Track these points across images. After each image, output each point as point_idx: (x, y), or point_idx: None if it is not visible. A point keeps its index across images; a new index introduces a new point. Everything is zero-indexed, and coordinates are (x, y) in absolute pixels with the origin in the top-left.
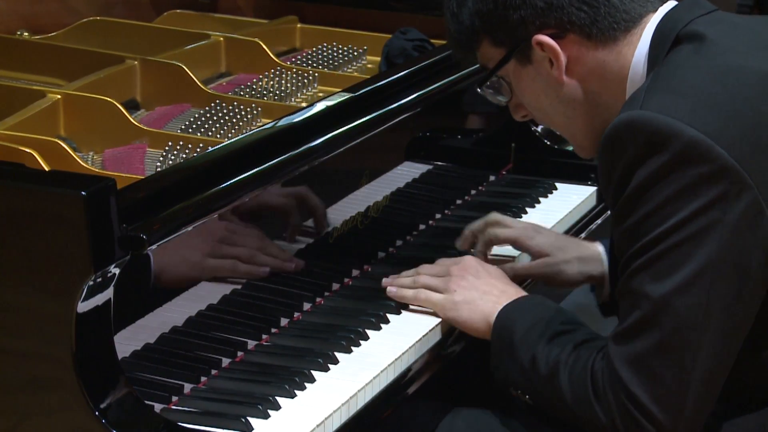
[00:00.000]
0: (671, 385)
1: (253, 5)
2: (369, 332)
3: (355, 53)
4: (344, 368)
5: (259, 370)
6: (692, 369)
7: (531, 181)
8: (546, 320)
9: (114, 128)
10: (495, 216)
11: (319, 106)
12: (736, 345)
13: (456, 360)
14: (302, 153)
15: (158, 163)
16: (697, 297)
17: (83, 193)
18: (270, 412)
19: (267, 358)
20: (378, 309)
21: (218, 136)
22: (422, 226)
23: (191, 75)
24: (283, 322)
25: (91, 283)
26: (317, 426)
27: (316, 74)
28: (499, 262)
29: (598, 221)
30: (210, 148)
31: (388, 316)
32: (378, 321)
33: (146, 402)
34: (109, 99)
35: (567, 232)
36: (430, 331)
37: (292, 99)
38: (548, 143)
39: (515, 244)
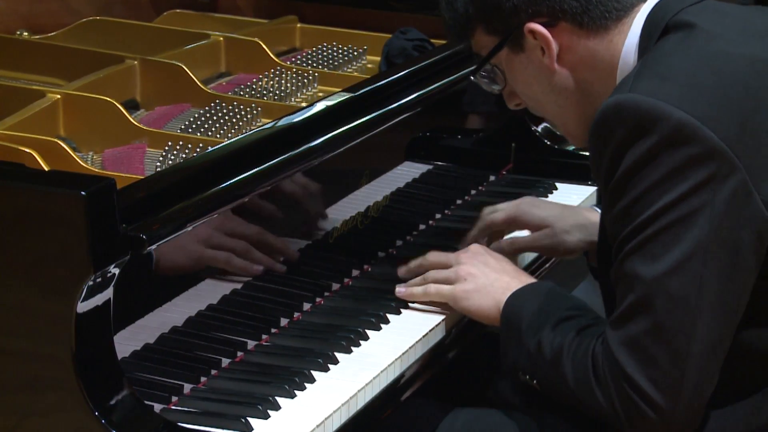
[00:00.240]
0: (667, 367)
1: (253, 5)
2: (369, 332)
3: (355, 53)
4: (344, 368)
5: (259, 371)
6: (687, 350)
7: (531, 181)
8: (552, 306)
9: (114, 128)
10: (486, 209)
11: (319, 106)
12: (732, 326)
13: (456, 360)
14: (302, 153)
15: (158, 163)
16: (689, 278)
17: (83, 193)
18: (270, 412)
19: (267, 359)
20: (378, 309)
21: (218, 136)
22: (422, 226)
23: (191, 75)
24: (283, 322)
25: (90, 283)
26: (317, 426)
27: (316, 74)
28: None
29: None
30: (210, 148)
31: (388, 316)
32: (378, 321)
33: (146, 402)
34: (108, 99)
35: None
36: (430, 331)
37: (292, 99)
38: (548, 143)
39: (514, 222)
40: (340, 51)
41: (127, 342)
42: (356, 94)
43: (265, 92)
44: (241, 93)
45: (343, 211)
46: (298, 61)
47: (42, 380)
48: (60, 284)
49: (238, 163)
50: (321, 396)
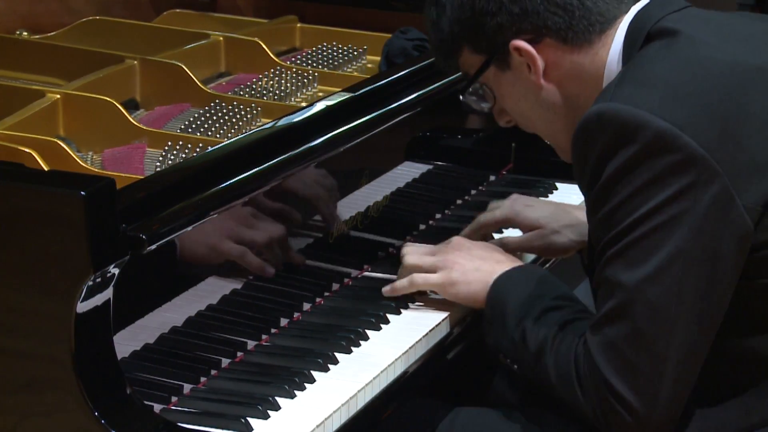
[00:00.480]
0: (645, 372)
1: (253, 5)
2: (369, 332)
3: (355, 53)
4: (344, 368)
5: (259, 371)
6: (666, 356)
7: (531, 181)
8: (537, 294)
9: (113, 128)
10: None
11: (319, 106)
12: (711, 332)
13: (456, 360)
14: (302, 153)
15: (158, 163)
16: (669, 285)
17: (82, 193)
18: (270, 412)
19: (267, 359)
20: (378, 309)
21: (218, 135)
22: (422, 226)
23: (191, 75)
24: (283, 322)
25: (90, 283)
26: (317, 426)
27: (316, 74)
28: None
29: None
30: (209, 148)
31: (388, 316)
32: (378, 321)
33: (146, 402)
34: (108, 99)
35: None
36: (430, 331)
37: (292, 99)
38: (548, 143)
39: (507, 223)
40: (340, 51)
41: (127, 342)
42: (356, 94)
43: (264, 92)
44: (241, 93)
45: (343, 211)
46: (298, 61)
47: (41, 380)
48: (59, 284)
49: (237, 163)
50: (321, 396)
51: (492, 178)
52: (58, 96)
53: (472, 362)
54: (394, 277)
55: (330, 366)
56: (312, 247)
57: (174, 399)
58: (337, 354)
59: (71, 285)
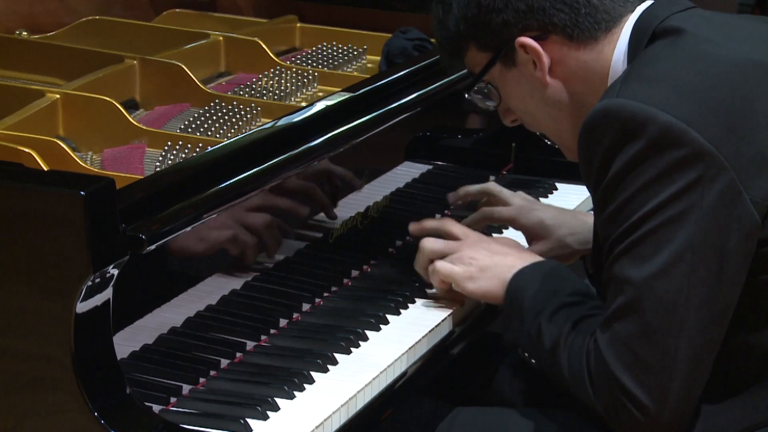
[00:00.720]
0: (655, 369)
1: (253, 4)
2: (368, 333)
3: (355, 53)
4: (343, 369)
5: (258, 372)
6: (675, 353)
7: (531, 181)
8: (554, 289)
9: (113, 128)
10: (493, 187)
11: (319, 106)
12: (721, 327)
13: (456, 360)
14: (302, 153)
15: (157, 163)
16: (678, 280)
17: (82, 193)
18: (269, 413)
19: (266, 359)
20: (377, 310)
21: (218, 135)
22: None
23: (190, 74)
24: (282, 323)
25: (89, 283)
26: (316, 427)
27: (316, 74)
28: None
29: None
30: (209, 148)
31: (388, 316)
32: (377, 322)
33: (145, 403)
34: (108, 98)
35: None
36: (430, 331)
37: (292, 98)
38: (549, 143)
39: (512, 223)
40: (340, 51)
41: (126, 343)
42: (356, 93)
43: (264, 92)
44: (241, 93)
45: (343, 211)
46: (298, 61)
47: (41, 380)
48: (59, 284)
49: (237, 163)
50: (320, 397)
51: (492, 178)
52: (58, 96)
53: (472, 363)
54: (393, 278)
55: (329, 367)
56: (312, 247)
57: (173, 400)
58: (336, 355)
59: (71, 285)
